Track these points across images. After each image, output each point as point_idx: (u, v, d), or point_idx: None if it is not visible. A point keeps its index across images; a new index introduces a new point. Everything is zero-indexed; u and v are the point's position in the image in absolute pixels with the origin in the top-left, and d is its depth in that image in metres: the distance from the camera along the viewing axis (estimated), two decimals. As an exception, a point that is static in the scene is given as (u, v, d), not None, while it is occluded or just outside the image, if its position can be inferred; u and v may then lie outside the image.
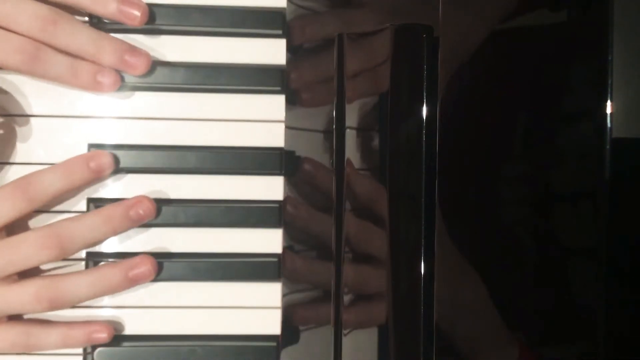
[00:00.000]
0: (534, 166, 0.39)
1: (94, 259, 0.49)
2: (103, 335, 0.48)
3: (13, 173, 0.48)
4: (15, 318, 0.48)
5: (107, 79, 0.48)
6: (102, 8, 0.47)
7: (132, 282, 0.48)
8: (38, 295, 0.45)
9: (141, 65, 0.48)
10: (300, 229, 0.49)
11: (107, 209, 0.48)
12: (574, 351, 0.38)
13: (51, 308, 0.46)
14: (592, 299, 0.37)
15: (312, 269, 0.49)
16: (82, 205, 0.49)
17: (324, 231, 0.47)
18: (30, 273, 0.47)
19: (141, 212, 0.48)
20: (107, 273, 0.47)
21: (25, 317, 0.48)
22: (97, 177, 0.49)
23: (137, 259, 0.48)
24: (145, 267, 0.48)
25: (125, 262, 0.48)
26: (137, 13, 0.47)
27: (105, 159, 0.48)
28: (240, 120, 0.50)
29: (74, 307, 0.49)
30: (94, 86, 0.48)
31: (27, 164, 0.49)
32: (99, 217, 0.47)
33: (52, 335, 0.47)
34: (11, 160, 0.49)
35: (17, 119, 0.49)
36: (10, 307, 0.46)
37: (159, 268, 0.49)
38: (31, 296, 0.45)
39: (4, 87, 0.49)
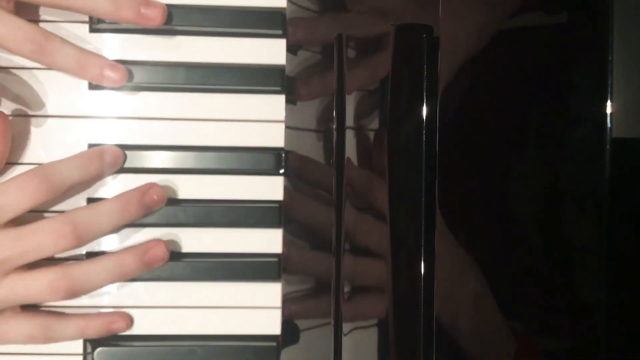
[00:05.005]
0: (533, 166, 0.39)
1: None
2: (121, 325, 0.49)
3: (13, 173, 0.48)
4: (31, 310, 0.48)
5: (114, 73, 0.48)
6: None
7: (147, 266, 0.48)
8: (54, 286, 0.45)
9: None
10: (300, 228, 0.49)
11: (123, 197, 0.48)
12: (575, 351, 0.38)
13: (67, 297, 0.46)
14: (592, 298, 0.37)
15: (311, 268, 0.49)
16: (82, 205, 0.49)
17: (324, 230, 0.47)
18: (41, 262, 0.46)
19: (155, 197, 0.48)
20: (123, 259, 0.47)
21: (41, 307, 0.48)
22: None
23: (149, 242, 0.48)
24: (159, 248, 0.48)
25: (139, 246, 0.48)
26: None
27: (119, 153, 0.49)
28: (240, 120, 0.50)
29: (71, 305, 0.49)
30: (101, 79, 0.48)
31: (27, 164, 0.49)
32: (115, 204, 0.47)
33: (70, 327, 0.47)
34: (11, 160, 0.49)
35: (17, 119, 0.49)
36: (25, 298, 0.45)
37: (159, 268, 0.49)
38: (46, 286, 0.45)
39: (5, 87, 0.49)
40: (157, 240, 0.49)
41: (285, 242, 0.50)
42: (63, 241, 0.44)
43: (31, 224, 0.45)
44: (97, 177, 0.48)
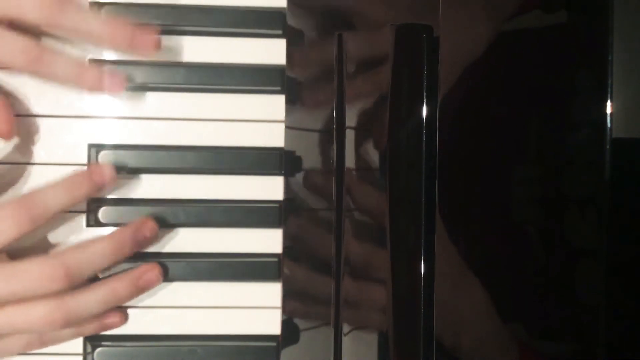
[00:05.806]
0: (533, 166, 0.39)
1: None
2: (115, 320, 0.49)
3: (13, 173, 0.48)
4: None
5: (113, 81, 0.47)
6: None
7: (141, 291, 0.48)
8: (49, 319, 0.44)
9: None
10: (300, 230, 0.49)
11: (117, 237, 0.47)
12: (574, 353, 0.38)
13: (63, 328, 0.45)
14: (592, 299, 0.37)
15: (312, 269, 0.49)
16: (82, 206, 0.49)
17: (324, 232, 0.47)
18: None
19: (147, 234, 0.48)
20: (117, 286, 0.47)
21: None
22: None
23: (143, 267, 0.48)
24: (153, 273, 0.48)
25: (132, 272, 0.48)
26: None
27: (108, 173, 0.48)
28: (240, 120, 0.50)
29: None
30: (100, 88, 0.47)
31: (27, 164, 0.49)
32: (109, 245, 0.46)
33: (65, 329, 0.47)
34: (11, 161, 0.49)
35: (18, 119, 0.49)
36: (21, 330, 0.45)
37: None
38: (42, 319, 0.44)
39: (4, 88, 0.49)
40: (150, 265, 0.48)
41: (285, 243, 0.50)
42: (54, 284, 0.44)
43: (23, 261, 0.44)
44: (87, 198, 0.48)
